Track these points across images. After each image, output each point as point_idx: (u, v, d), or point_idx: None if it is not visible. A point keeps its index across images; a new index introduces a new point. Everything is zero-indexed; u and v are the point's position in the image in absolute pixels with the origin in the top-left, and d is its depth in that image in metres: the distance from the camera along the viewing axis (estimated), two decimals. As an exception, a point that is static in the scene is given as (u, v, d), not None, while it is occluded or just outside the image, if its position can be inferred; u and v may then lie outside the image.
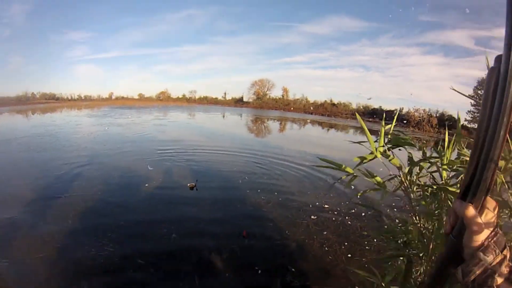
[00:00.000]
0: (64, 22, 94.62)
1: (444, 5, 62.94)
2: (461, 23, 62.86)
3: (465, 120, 52.97)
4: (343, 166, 2.62)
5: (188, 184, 8.87)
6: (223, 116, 45.33)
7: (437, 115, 54.96)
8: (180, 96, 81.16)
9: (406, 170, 2.45)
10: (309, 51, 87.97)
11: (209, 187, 8.99)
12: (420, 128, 51.97)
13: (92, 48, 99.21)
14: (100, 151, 14.19)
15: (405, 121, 54.53)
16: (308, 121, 44.73)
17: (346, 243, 5.93)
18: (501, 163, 1.72)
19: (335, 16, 79.85)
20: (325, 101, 68.88)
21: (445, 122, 53.70)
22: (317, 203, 8.16)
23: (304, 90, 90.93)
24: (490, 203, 0.77)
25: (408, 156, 2.49)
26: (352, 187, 9.64)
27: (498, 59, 0.69)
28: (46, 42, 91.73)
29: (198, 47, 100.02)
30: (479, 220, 0.75)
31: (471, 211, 0.75)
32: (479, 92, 51.73)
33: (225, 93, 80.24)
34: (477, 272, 0.73)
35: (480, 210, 0.76)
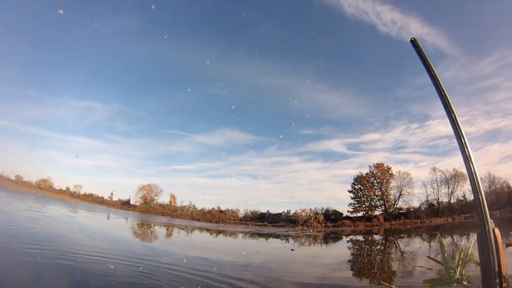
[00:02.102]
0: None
1: (321, 120, 76.95)
2: (335, 133, 77.23)
3: (348, 211, 60.04)
4: None
5: None
6: (108, 218, 42.54)
7: (323, 211, 59.76)
8: (64, 189, 73.48)
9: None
10: (199, 161, 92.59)
11: None
12: (308, 226, 55.29)
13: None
14: None
15: (294, 221, 57.79)
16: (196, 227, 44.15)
17: None
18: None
19: (227, 129, 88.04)
20: (213, 208, 70.10)
21: (331, 216, 60.63)
22: None
23: (192, 197, 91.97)
24: None
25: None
26: None
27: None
28: None
29: (93, 141, 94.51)
30: None
31: None
32: (355, 187, 61.50)
33: (111, 194, 76.02)
34: None
35: None
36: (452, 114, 1.29)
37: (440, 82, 1.40)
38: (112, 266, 11.40)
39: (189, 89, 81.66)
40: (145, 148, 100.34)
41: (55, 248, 13.05)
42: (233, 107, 75.81)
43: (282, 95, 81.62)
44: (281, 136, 78.47)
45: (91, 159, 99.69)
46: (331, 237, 38.50)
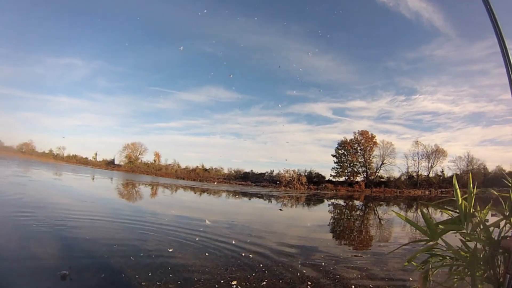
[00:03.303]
0: None
1: (307, 83, 76.93)
2: (321, 97, 77.88)
3: (330, 175, 63.44)
4: None
5: (59, 273, 6.61)
6: (93, 179, 42.62)
7: (306, 173, 61.66)
8: (47, 151, 72.81)
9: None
10: (183, 118, 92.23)
11: (87, 272, 6.87)
12: (291, 187, 57.19)
13: None
14: None
15: (277, 182, 59.50)
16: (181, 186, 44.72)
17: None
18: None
19: (212, 86, 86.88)
20: (197, 166, 70.92)
21: (314, 179, 62.64)
22: (222, 281, 7.04)
23: (176, 155, 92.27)
24: None
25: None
26: (249, 255, 9.36)
27: None
28: None
29: (74, 100, 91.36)
30: None
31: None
32: (339, 152, 63.08)
33: (95, 154, 76.01)
34: None
35: None
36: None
37: (505, 43, 1.23)
38: (107, 228, 11.95)
39: (181, 48, 79.31)
40: (128, 106, 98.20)
41: (47, 213, 13.13)
42: (231, 76, 74.99)
43: (269, 55, 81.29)
44: (280, 105, 78.37)
45: (73, 119, 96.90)
46: (313, 200, 40.06)
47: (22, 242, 8.62)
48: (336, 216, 24.52)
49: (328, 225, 19.40)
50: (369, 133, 61.74)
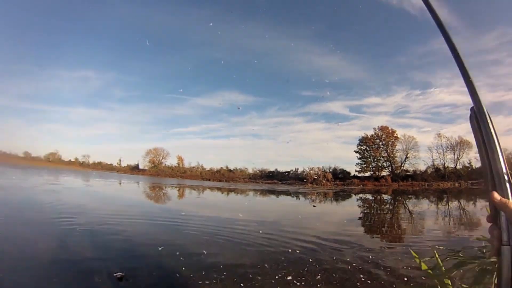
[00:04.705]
0: None
1: (320, 83, 76.99)
2: (336, 96, 78.56)
3: (356, 171, 63.35)
4: None
5: (115, 274, 6.75)
6: (120, 184, 43.74)
7: (331, 170, 61.39)
8: (73, 160, 75.87)
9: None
10: (201, 123, 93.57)
11: (141, 272, 7.05)
12: (317, 184, 57.09)
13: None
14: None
15: (303, 179, 59.50)
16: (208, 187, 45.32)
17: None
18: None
19: (227, 91, 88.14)
20: (221, 167, 71.68)
21: (339, 175, 62.48)
22: (277, 276, 6.99)
23: (199, 158, 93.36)
24: None
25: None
26: (296, 251, 9.66)
27: (472, 109, 1.15)
28: None
29: (91, 111, 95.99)
30: None
31: (499, 196, 0.95)
32: (361, 147, 62.70)
33: (120, 160, 78.24)
34: None
35: None
36: (464, 70, 1.15)
37: (452, 39, 1.21)
38: (153, 228, 12.50)
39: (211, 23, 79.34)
40: (146, 113, 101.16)
41: (89, 218, 13.51)
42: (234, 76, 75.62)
43: (279, 57, 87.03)
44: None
45: (93, 129, 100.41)
46: (341, 195, 40.04)
47: (71, 246, 8.97)
48: (367, 211, 24.43)
49: (361, 219, 19.46)
50: (389, 128, 61.34)
